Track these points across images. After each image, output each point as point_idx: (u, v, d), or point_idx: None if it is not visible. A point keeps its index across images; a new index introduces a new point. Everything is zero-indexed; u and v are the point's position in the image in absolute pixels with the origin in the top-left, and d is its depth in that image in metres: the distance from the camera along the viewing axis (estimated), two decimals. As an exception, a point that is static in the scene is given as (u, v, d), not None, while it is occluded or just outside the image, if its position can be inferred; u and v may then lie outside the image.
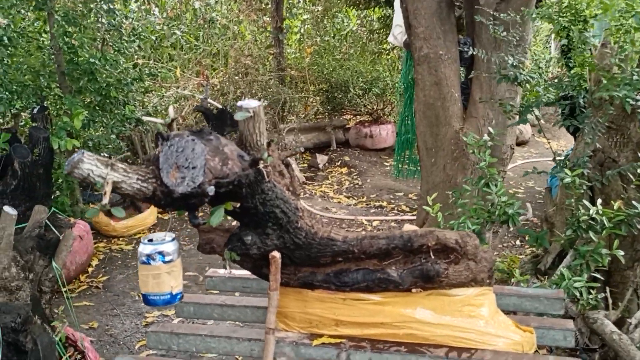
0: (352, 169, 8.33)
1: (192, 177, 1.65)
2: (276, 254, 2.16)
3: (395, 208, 6.82)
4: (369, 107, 9.34)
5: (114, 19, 5.88)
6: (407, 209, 6.70)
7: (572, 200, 3.76)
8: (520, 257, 5.13)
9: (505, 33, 3.98)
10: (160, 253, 1.96)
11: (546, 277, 4.19)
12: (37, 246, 3.13)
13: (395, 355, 2.16)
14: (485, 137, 4.02)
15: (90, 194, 6.54)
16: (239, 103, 1.92)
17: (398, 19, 5.92)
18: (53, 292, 3.27)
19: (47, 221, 4.76)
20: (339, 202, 7.09)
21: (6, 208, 2.98)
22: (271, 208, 2.08)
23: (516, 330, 2.22)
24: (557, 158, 4.17)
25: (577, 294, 3.40)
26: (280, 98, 8.46)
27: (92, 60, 5.05)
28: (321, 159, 8.60)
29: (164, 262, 1.96)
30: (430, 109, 5.31)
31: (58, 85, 5.21)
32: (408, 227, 2.81)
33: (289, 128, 8.54)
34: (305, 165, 8.63)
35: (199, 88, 8.07)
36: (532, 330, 2.25)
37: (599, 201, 3.56)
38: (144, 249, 1.98)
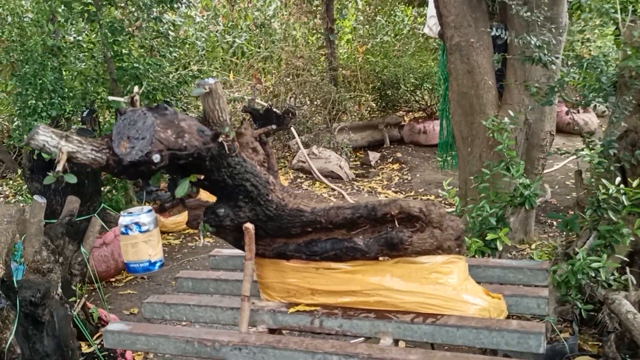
0: (403, 165, 8.35)
1: (140, 147, 1.81)
2: (249, 225, 2.28)
3: (443, 201, 6.79)
4: (422, 103, 9.31)
5: (162, 28, 6.24)
6: (454, 202, 6.64)
7: (593, 180, 3.68)
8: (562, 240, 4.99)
9: (530, 13, 3.94)
10: (136, 224, 2.14)
11: (575, 262, 4.10)
12: (66, 232, 3.41)
13: (364, 321, 2.24)
14: (505, 119, 4.00)
15: (147, 194, 6.92)
16: (197, 81, 2.07)
17: (432, 10, 5.93)
18: (83, 275, 3.55)
19: (97, 216, 5.12)
20: (386, 196, 7.13)
21: (36, 197, 3.27)
22: (240, 181, 2.21)
23: (484, 296, 2.24)
24: (587, 140, 4.09)
25: (593, 274, 3.33)
26: (330, 97, 8.60)
27: (135, 65, 5.39)
28: (373, 156, 8.66)
29: (141, 231, 2.14)
30: (464, 98, 5.30)
31: (105, 90, 5.59)
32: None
33: (340, 127, 8.67)
34: (358, 162, 8.72)
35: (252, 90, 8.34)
36: (501, 297, 2.26)
37: (618, 179, 3.48)
38: (123, 220, 2.17)
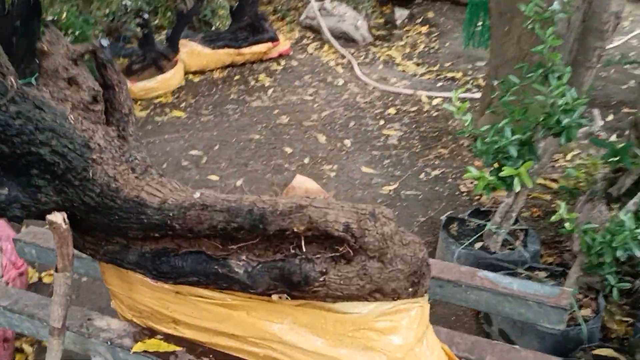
0: (432, 28, 6.99)
1: None
2: (56, 217, 1.32)
3: (471, 82, 5.59)
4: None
5: None
6: (484, 84, 5.46)
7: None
8: (605, 166, 3.87)
9: None
10: None
11: (619, 206, 3.08)
12: None
13: (242, 389, 1.35)
14: (555, 5, 2.79)
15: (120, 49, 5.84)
16: None
17: None
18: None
19: (34, 81, 4.22)
20: (404, 70, 5.93)
21: None
22: (28, 147, 1.22)
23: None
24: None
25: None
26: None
27: None
28: (400, 14, 7.28)
29: None
30: (507, -41, 4.01)
31: None
32: (299, 181, 1.82)
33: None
34: (382, 20, 7.38)
35: None
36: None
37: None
38: None
